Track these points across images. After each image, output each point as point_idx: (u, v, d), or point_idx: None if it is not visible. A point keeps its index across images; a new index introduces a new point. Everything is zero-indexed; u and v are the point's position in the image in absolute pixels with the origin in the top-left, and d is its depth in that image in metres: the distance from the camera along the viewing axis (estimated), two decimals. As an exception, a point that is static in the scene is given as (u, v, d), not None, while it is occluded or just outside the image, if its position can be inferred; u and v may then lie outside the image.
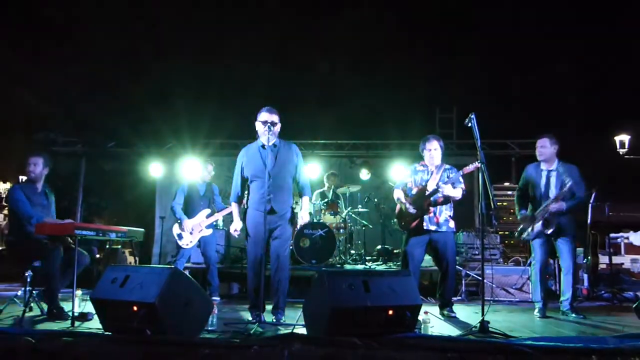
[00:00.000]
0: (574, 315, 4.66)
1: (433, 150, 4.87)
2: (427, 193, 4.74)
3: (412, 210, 4.78)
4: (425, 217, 4.72)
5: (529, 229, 4.88)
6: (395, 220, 5.20)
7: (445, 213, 4.80)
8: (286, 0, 10.66)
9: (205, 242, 6.13)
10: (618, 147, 9.41)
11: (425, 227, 4.72)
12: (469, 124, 3.96)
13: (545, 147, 4.86)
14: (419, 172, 4.95)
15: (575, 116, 10.87)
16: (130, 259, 9.31)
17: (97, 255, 7.78)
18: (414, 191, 4.87)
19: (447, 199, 4.75)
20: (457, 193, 4.70)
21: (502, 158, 9.85)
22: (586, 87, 10.79)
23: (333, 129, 10.07)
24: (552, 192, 4.80)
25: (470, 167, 4.53)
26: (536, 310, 4.83)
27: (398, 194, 5.00)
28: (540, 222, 4.76)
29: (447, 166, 4.91)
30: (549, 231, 4.71)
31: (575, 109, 10.94)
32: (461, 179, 4.74)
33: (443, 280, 4.81)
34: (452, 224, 4.83)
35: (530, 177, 5.00)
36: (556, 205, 4.70)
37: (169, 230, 8.91)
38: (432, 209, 4.71)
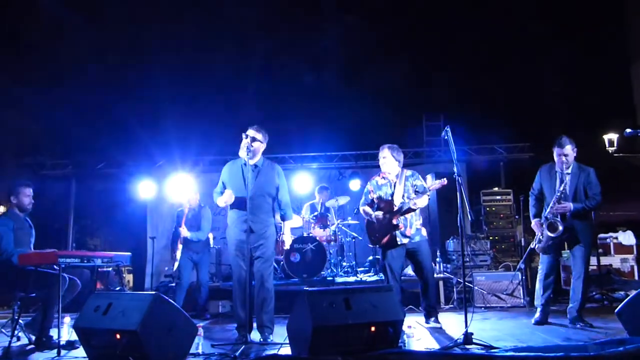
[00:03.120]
0: (580, 323, 4.53)
1: (382, 158, 4.86)
2: (395, 208, 4.73)
3: (382, 225, 4.77)
4: (397, 231, 4.72)
5: (540, 236, 4.72)
6: (366, 236, 5.18)
7: (415, 224, 4.79)
8: (271, 14, 10.73)
9: (199, 263, 6.26)
10: (607, 145, 9.46)
11: (398, 242, 4.72)
12: (446, 137, 3.99)
13: (568, 155, 4.59)
14: (382, 186, 4.89)
15: (563, 115, 10.93)
16: (128, 277, 9.31)
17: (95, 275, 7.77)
18: (382, 206, 4.84)
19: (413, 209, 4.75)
20: (424, 202, 4.71)
21: (490, 163, 9.88)
22: (574, 87, 10.87)
23: (322, 141, 10.10)
24: (569, 195, 4.60)
25: (436, 185, 4.53)
26: (537, 314, 4.77)
27: (366, 211, 4.97)
28: (546, 226, 4.60)
29: (409, 172, 4.87)
30: (555, 234, 4.53)
31: (562, 109, 11.01)
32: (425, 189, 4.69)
33: (425, 290, 4.80)
34: (424, 231, 4.84)
35: (545, 179, 4.81)
36: (560, 206, 4.54)
37: (162, 250, 8.97)
38: (402, 223, 4.71)
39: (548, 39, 10.64)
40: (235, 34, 10.92)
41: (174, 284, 6.64)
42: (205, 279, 6.33)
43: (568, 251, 4.80)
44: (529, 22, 10.46)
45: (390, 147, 4.87)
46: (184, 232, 6.08)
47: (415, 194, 4.67)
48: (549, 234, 4.59)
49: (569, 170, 4.63)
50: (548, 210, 4.64)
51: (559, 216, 4.58)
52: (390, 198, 4.80)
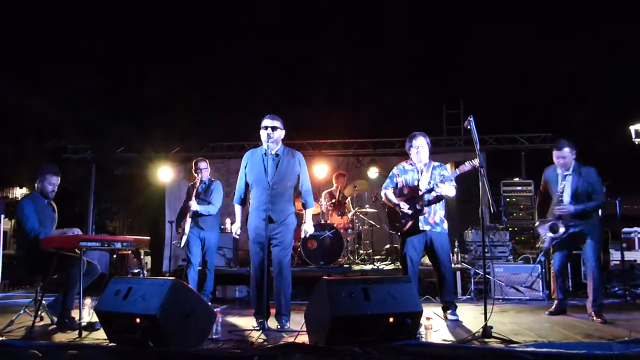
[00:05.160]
0: (596, 320, 4.49)
1: (420, 147, 4.75)
2: (420, 193, 4.66)
3: (406, 211, 4.69)
4: (420, 217, 4.64)
5: (543, 237, 4.83)
6: (386, 223, 5.10)
7: (439, 213, 4.72)
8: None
9: (206, 242, 5.84)
10: (633, 136, 9.19)
11: (420, 228, 4.63)
12: (468, 127, 3.90)
13: (566, 158, 4.72)
14: (409, 171, 4.83)
15: (588, 105, 10.67)
16: (146, 260, 9.43)
17: (114, 255, 7.92)
18: (405, 191, 4.77)
19: (439, 198, 4.67)
20: (451, 192, 4.61)
21: (511, 153, 9.72)
22: (599, 75, 10.58)
23: (340, 128, 10.04)
24: (567, 196, 4.71)
25: (467, 166, 4.42)
26: (553, 307, 4.91)
27: (389, 196, 4.88)
28: (547, 226, 4.72)
29: (436, 163, 4.83)
30: (557, 235, 4.65)
31: (587, 98, 10.73)
32: (453, 179, 4.63)
33: (442, 282, 4.72)
34: (445, 224, 4.75)
35: (548, 181, 4.92)
36: (559, 207, 4.64)
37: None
38: (426, 209, 4.64)
39: (573, 25, 10.35)
40: (254, 19, 10.86)
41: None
42: (211, 260, 5.86)
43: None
44: (553, 7, 10.19)
45: (423, 135, 4.80)
46: (194, 205, 5.70)
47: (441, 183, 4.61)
48: (550, 234, 4.71)
49: (569, 172, 4.74)
50: (550, 212, 4.76)
51: (560, 218, 4.68)
52: (415, 184, 4.73)
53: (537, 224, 4.97)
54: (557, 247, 4.87)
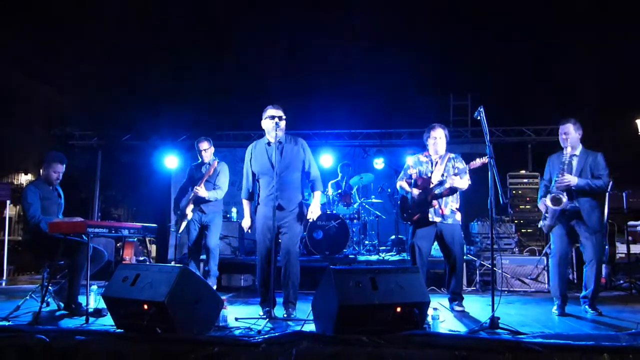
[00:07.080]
0: (591, 312, 4.38)
1: (438, 138, 4.73)
2: (432, 185, 4.65)
3: (416, 202, 4.69)
4: (430, 209, 4.63)
5: (545, 213, 4.56)
6: (398, 211, 5.12)
7: (451, 205, 4.68)
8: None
9: (208, 226, 5.52)
10: (640, 130, 9.14)
11: (430, 219, 4.62)
12: (478, 117, 3.87)
13: (569, 134, 4.52)
14: (423, 163, 4.83)
15: (595, 99, 10.60)
16: (151, 248, 9.47)
17: (118, 244, 7.93)
18: (419, 183, 4.77)
19: (452, 190, 4.65)
20: (463, 184, 4.59)
21: (518, 145, 9.67)
22: (605, 69, 10.49)
23: (346, 118, 10.00)
24: (572, 172, 4.46)
25: (477, 163, 4.40)
26: (554, 307, 4.48)
27: (402, 186, 4.91)
28: (550, 199, 4.43)
29: (452, 155, 4.79)
30: (560, 207, 4.36)
31: (593, 92, 10.66)
32: (467, 171, 4.62)
33: (451, 274, 4.71)
34: (458, 216, 4.71)
35: (554, 165, 4.69)
36: (563, 178, 4.38)
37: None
38: (436, 201, 4.63)
39: (580, 17, 10.25)
40: (260, 8, 10.79)
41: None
42: (212, 244, 5.49)
43: None
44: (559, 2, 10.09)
45: (442, 126, 4.78)
46: (202, 192, 5.36)
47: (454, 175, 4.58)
48: (552, 206, 4.41)
49: (577, 152, 4.54)
50: (553, 185, 4.51)
51: (564, 192, 4.41)
52: (428, 175, 4.72)
53: (539, 204, 4.69)
54: (555, 229, 4.53)
